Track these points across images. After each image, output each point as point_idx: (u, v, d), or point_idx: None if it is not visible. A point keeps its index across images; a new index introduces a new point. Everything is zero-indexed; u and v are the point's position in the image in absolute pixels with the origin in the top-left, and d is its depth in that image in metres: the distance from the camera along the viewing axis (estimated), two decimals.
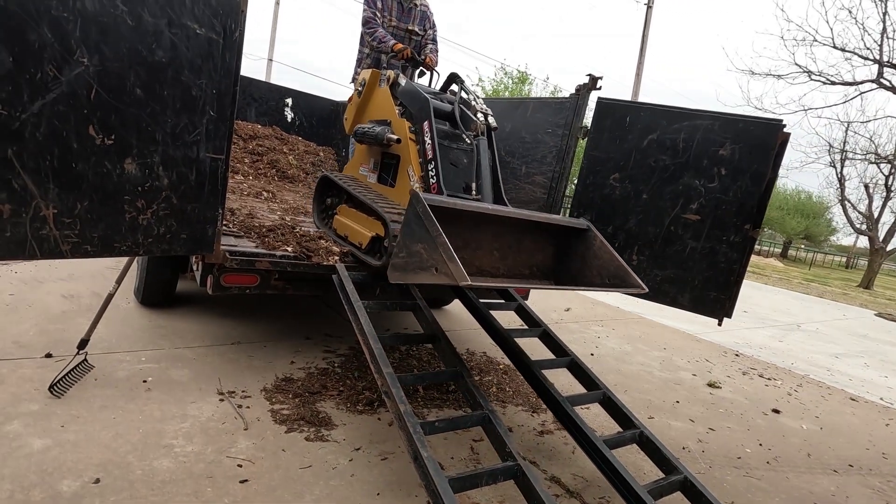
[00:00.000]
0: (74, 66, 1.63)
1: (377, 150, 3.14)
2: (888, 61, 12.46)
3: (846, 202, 21.60)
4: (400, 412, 1.88)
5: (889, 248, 21.23)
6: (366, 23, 3.71)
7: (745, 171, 2.87)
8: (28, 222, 1.63)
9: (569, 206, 3.82)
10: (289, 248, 2.54)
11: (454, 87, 3.27)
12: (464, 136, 2.82)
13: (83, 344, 2.40)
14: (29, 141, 1.58)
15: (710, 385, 4.12)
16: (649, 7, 12.32)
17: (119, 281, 2.49)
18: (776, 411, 3.77)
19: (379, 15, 3.75)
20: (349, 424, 2.45)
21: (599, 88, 3.46)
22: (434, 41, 4.05)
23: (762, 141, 2.83)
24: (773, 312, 8.96)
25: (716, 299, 3.04)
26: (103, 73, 1.70)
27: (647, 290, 2.28)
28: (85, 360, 2.41)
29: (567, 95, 3.74)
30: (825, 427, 3.62)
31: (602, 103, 3.30)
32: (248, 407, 2.44)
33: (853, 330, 8.69)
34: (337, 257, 2.63)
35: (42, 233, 1.67)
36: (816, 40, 13.24)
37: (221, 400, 2.46)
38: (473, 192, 2.65)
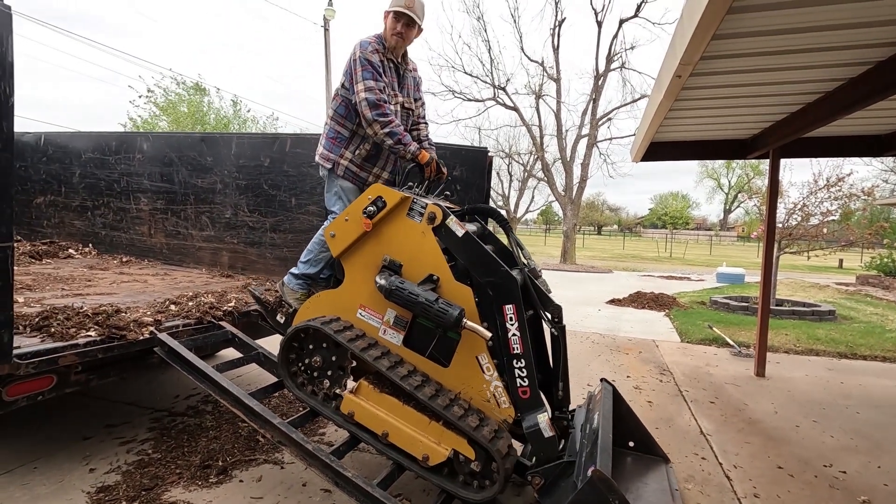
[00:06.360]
0: None
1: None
2: (498, 85, 17.24)
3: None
4: (309, 451, 2.01)
5: (519, 215, 29.26)
6: (375, 106, 2.39)
7: (471, 184, 3.92)
8: None
9: None
10: (91, 333, 2.13)
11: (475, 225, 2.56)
12: (543, 319, 2.32)
13: None
14: None
15: None
16: (326, 30, 13.33)
17: None
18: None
19: (386, 92, 2.47)
20: (216, 500, 2.30)
21: None
22: (425, 119, 2.96)
23: (478, 162, 3.92)
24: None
25: None
26: None
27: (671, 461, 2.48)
28: None
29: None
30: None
31: None
32: None
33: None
34: (152, 326, 2.35)
35: None
36: (454, 66, 17.07)
37: None
38: (559, 393, 2.33)
